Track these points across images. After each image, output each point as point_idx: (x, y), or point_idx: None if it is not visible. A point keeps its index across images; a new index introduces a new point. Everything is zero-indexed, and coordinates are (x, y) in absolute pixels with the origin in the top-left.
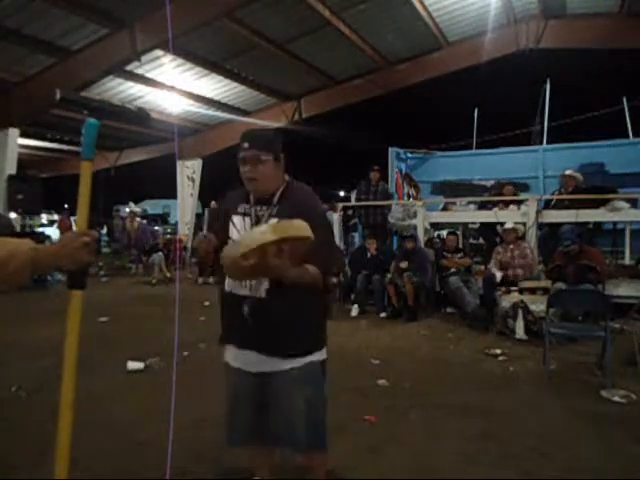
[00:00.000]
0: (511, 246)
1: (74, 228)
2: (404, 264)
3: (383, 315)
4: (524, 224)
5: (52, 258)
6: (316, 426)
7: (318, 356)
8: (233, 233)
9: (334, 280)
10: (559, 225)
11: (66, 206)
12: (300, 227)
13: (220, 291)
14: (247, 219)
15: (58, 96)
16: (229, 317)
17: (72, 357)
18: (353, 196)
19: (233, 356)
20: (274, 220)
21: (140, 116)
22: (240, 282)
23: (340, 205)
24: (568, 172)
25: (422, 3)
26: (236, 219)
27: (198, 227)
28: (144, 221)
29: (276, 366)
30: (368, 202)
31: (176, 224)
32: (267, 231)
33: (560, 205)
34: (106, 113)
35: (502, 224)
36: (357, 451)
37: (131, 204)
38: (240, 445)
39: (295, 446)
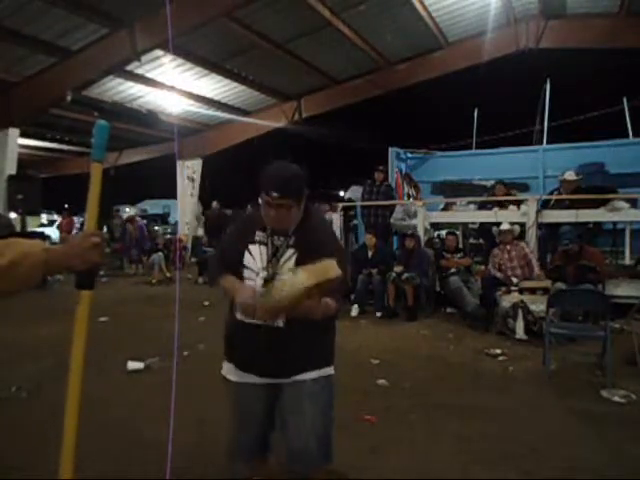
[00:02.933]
0: (508, 247)
1: (75, 228)
2: (398, 268)
3: (378, 315)
4: (524, 224)
5: (63, 259)
6: (328, 441)
7: (329, 370)
8: (249, 261)
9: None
10: (559, 225)
11: (66, 206)
12: (333, 268)
13: (232, 316)
14: (263, 248)
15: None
16: (243, 345)
17: (79, 356)
18: (348, 195)
19: (238, 376)
20: (291, 250)
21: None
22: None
23: (340, 205)
24: (567, 176)
25: (422, 3)
26: (253, 247)
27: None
28: (144, 221)
29: (292, 383)
30: (370, 202)
31: (176, 224)
32: (305, 277)
33: (560, 205)
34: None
35: (498, 225)
36: (357, 451)
37: (126, 209)
38: (246, 461)
39: (310, 464)
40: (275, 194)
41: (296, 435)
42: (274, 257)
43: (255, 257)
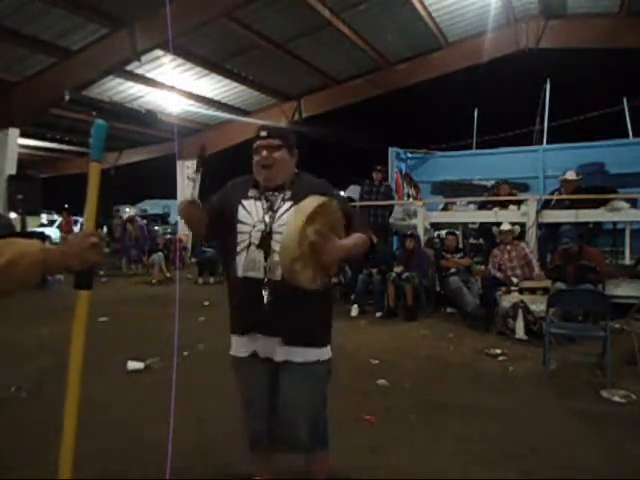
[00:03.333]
0: (508, 247)
1: (75, 228)
2: (398, 268)
3: (379, 315)
4: (524, 224)
5: (61, 258)
6: (321, 425)
7: (327, 352)
8: (244, 216)
9: (334, 280)
10: (558, 225)
11: (66, 206)
12: (318, 198)
13: (231, 278)
14: (259, 203)
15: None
16: (244, 303)
17: (78, 356)
18: (347, 194)
19: (245, 346)
20: (288, 204)
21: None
22: (255, 265)
23: None
24: (568, 176)
25: (422, 3)
26: (247, 203)
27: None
28: (144, 221)
29: (291, 355)
30: (370, 202)
31: (176, 224)
32: (303, 205)
33: (560, 205)
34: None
35: (498, 225)
36: (357, 451)
37: (126, 209)
38: (263, 443)
39: (300, 446)
40: (264, 133)
41: (291, 417)
42: (270, 210)
43: (250, 212)
